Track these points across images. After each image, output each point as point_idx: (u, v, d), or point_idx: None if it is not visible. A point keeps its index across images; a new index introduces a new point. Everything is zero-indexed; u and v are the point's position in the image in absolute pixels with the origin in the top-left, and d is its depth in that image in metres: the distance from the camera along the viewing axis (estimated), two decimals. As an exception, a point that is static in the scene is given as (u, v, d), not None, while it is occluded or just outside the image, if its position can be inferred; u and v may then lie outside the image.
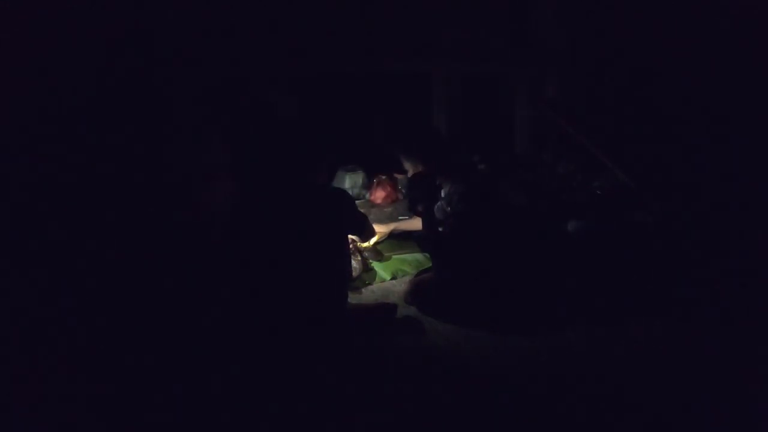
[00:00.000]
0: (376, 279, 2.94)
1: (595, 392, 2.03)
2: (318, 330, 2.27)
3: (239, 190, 2.69)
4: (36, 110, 2.43)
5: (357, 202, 3.17)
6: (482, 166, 3.54)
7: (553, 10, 3.98)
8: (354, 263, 2.77)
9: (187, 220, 2.71)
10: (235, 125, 3.08)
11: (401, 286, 2.85)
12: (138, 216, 2.60)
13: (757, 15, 3.09)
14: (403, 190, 3.88)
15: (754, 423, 1.89)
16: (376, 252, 3.09)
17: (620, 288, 2.66)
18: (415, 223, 3.14)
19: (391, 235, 3.23)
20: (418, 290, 2.67)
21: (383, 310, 2.57)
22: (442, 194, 2.70)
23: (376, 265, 3.03)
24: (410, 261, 3.10)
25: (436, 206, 2.74)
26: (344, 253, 2.47)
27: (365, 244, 3.01)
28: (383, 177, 3.94)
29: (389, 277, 2.96)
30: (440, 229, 2.73)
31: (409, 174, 2.85)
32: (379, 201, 3.86)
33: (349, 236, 2.65)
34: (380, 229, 3.13)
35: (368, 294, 2.82)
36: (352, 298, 2.66)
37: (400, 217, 3.52)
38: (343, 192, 2.52)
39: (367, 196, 3.94)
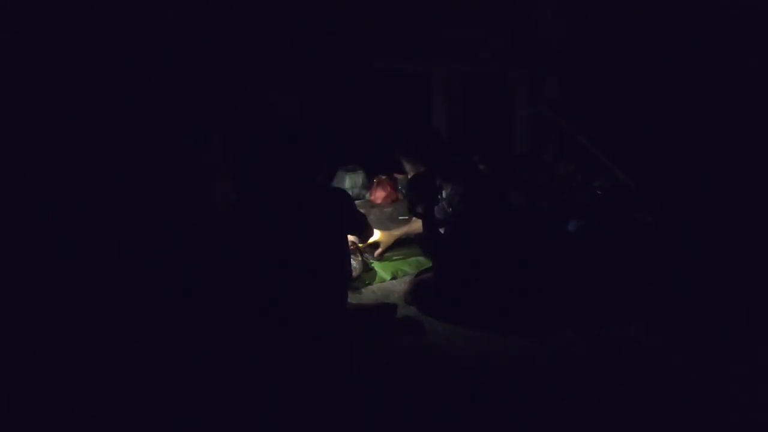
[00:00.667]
0: (376, 279, 2.94)
1: (595, 392, 2.03)
2: (318, 330, 2.27)
3: (239, 190, 2.69)
4: (36, 110, 2.43)
5: (357, 202, 3.18)
6: (482, 166, 3.54)
7: (553, 10, 3.98)
8: (354, 263, 2.77)
9: (186, 220, 2.71)
10: (235, 125, 3.08)
11: (401, 286, 2.85)
12: (138, 216, 2.60)
13: (757, 15, 3.08)
14: (403, 190, 3.88)
15: (754, 423, 1.89)
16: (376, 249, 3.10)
17: (620, 288, 2.66)
18: (418, 226, 3.14)
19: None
20: (418, 290, 2.67)
21: (383, 310, 2.57)
22: (443, 195, 2.70)
23: (376, 265, 3.03)
24: (410, 261, 3.10)
25: (437, 207, 2.74)
26: (344, 253, 2.47)
27: (364, 244, 3.01)
28: (383, 177, 3.94)
29: (389, 277, 2.96)
30: (441, 229, 2.73)
31: (409, 174, 2.85)
32: (379, 201, 3.86)
33: (349, 237, 2.65)
34: (385, 239, 3.13)
35: (368, 294, 2.82)
36: (352, 298, 2.66)
37: (400, 217, 3.52)
38: (343, 192, 2.52)
39: (367, 196, 3.94)
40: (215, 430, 1.86)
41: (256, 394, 2.01)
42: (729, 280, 2.65)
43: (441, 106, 4.20)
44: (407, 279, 2.90)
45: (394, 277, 2.96)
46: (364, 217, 2.61)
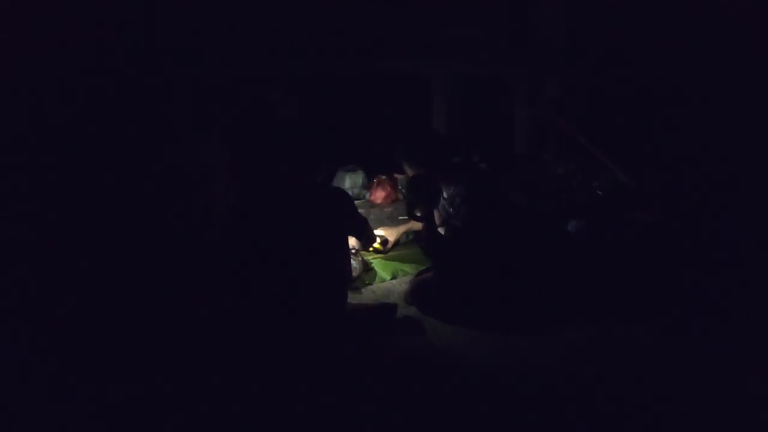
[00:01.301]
0: (376, 279, 2.94)
1: (595, 392, 2.03)
2: (318, 330, 2.27)
3: (239, 190, 2.69)
4: (36, 110, 2.43)
5: (357, 202, 3.17)
6: (482, 166, 3.54)
7: (553, 10, 3.97)
8: (354, 263, 2.77)
9: (187, 219, 2.71)
10: (235, 125, 3.08)
11: (401, 286, 2.85)
12: (138, 215, 2.60)
13: (757, 15, 3.09)
14: (403, 191, 3.88)
15: (754, 423, 1.89)
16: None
17: (621, 288, 2.66)
18: (419, 224, 3.14)
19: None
20: (418, 290, 2.67)
21: (383, 310, 2.57)
22: (444, 195, 2.69)
23: (376, 265, 3.03)
24: (410, 261, 3.10)
25: (437, 207, 2.73)
26: (344, 253, 2.47)
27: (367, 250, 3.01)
28: (383, 177, 3.93)
29: (389, 277, 2.96)
30: (441, 230, 2.73)
31: (409, 175, 2.85)
32: (379, 201, 3.85)
33: (350, 243, 2.65)
34: (390, 236, 3.13)
35: (368, 294, 2.82)
36: (352, 298, 2.66)
37: (399, 217, 3.52)
38: (343, 192, 2.52)
39: (367, 196, 3.93)
40: (215, 430, 1.86)
41: (257, 394, 2.01)
42: (729, 279, 2.64)
43: (441, 106, 4.19)
44: (407, 279, 2.90)
45: (394, 277, 2.96)
46: (364, 219, 2.61)
